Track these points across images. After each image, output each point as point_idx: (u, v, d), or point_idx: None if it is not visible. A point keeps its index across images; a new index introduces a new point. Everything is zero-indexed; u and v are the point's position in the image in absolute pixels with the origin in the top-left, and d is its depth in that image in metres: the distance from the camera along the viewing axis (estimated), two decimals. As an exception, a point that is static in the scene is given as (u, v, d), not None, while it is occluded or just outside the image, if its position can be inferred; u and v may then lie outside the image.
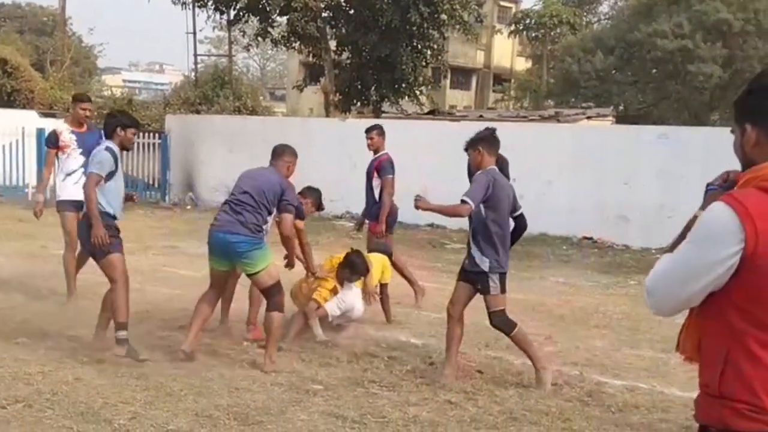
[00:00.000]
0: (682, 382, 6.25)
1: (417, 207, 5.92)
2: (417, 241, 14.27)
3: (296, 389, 5.61)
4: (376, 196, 8.72)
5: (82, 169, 7.56)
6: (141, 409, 5.05)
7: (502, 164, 10.93)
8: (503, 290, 6.00)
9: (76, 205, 7.30)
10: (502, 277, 5.98)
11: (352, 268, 7.19)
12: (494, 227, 5.92)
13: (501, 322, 6.02)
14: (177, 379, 5.68)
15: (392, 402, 5.46)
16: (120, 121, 6.66)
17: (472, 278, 6.01)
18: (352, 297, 7.18)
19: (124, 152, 7.01)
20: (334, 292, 7.17)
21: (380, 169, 8.70)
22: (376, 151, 8.88)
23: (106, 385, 5.47)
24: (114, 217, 6.45)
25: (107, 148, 6.45)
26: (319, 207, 7.54)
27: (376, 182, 8.72)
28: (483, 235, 5.93)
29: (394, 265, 8.52)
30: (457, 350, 6.13)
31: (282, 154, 6.49)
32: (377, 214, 8.66)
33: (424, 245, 13.84)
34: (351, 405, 5.34)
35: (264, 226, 6.17)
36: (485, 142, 6.18)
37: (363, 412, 5.22)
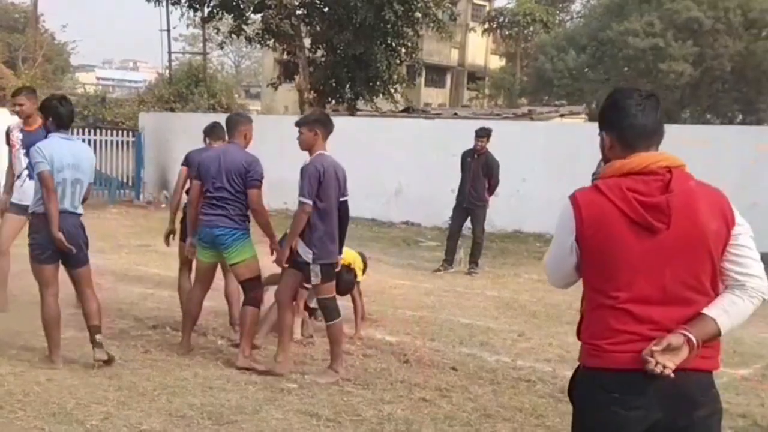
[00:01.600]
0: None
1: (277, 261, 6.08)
2: (391, 238, 14.30)
3: (271, 388, 5.60)
4: None
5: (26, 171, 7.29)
6: (114, 409, 5.01)
7: (491, 164, 11.00)
8: (327, 279, 5.95)
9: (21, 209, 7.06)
10: (326, 267, 5.92)
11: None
12: (317, 219, 5.82)
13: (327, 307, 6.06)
14: (150, 378, 5.65)
15: (366, 400, 5.47)
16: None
17: (299, 267, 5.96)
18: None
19: (99, 150, 6.95)
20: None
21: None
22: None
23: (78, 386, 5.43)
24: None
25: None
26: None
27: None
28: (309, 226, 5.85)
29: None
30: (290, 338, 6.21)
31: (236, 124, 6.39)
32: None
33: (399, 243, 13.87)
34: (325, 403, 5.35)
35: (248, 212, 6.21)
36: (321, 123, 6.04)
37: (337, 411, 5.23)
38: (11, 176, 7.80)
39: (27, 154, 6.99)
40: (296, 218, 5.87)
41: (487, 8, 46.26)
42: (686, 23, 30.36)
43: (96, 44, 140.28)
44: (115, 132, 19.99)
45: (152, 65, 63.33)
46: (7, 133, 7.93)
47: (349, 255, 7.51)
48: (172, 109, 23.66)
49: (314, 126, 5.97)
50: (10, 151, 7.81)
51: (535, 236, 14.52)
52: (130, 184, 20.04)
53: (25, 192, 7.01)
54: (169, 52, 28.22)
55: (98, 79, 71.02)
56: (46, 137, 6.18)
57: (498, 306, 8.97)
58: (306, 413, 5.15)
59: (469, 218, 11.22)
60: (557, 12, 42.00)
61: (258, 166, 6.25)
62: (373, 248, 13.16)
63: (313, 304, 6.92)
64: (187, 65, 29.52)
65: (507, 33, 41.12)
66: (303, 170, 5.85)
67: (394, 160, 15.48)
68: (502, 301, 9.29)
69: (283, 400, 5.36)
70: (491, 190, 11.30)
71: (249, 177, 6.14)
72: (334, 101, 25.07)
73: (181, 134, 19.51)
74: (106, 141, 19.34)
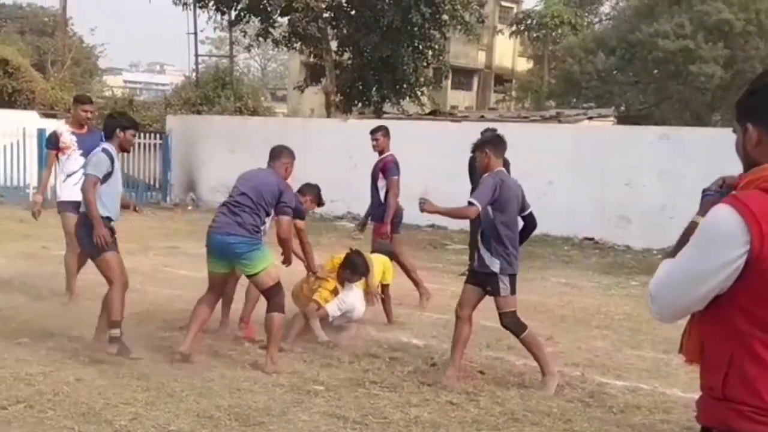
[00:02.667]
0: (684, 383, 6.25)
1: (423, 210, 5.89)
2: (418, 242, 14.26)
3: (298, 390, 5.60)
4: (382, 197, 8.68)
5: (82, 170, 7.28)
6: (142, 410, 5.04)
7: (504, 165, 10.92)
8: (513, 291, 6.03)
9: (76, 206, 7.13)
10: (512, 278, 6.01)
11: (353, 268, 7.18)
12: (503, 229, 5.92)
13: (512, 323, 6.03)
14: (178, 379, 5.68)
15: (394, 403, 5.45)
16: (119, 122, 6.65)
17: (482, 279, 5.99)
18: (352, 298, 7.17)
19: (125, 153, 7.04)
20: (334, 292, 7.17)
21: (386, 170, 8.68)
22: (381, 152, 8.85)
23: (107, 386, 5.46)
24: (110, 219, 6.44)
25: (104, 150, 6.44)
26: (319, 203, 7.51)
27: (381, 183, 8.69)
28: (493, 236, 5.93)
29: (402, 266, 8.51)
30: (462, 352, 6.11)
31: (279, 155, 6.48)
32: (382, 215, 8.64)
33: (425, 246, 13.84)
34: (352, 406, 5.34)
35: (262, 227, 6.17)
36: (492, 144, 6.23)
37: (364, 413, 5.21)
38: (47, 177, 8.40)
39: (83, 155, 7.70)
40: (459, 210, 6.15)
41: (515, 10, 46.10)
42: (717, 25, 30.01)
43: (123, 47, 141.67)
44: (142, 135, 20.15)
45: (179, 68, 63.84)
46: (56, 137, 8.23)
47: (378, 261, 7.54)
48: (198, 112, 23.81)
49: (484, 148, 6.19)
50: (56, 155, 8.16)
51: (563, 239, 14.42)
52: (158, 186, 20.19)
53: (79, 190, 6.95)
54: (196, 55, 28.46)
55: (125, 82, 71.66)
56: (101, 140, 6.79)
57: (525, 309, 8.81)
58: (333, 415, 5.14)
59: None
60: (585, 14, 41.71)
61: (292, 195, 6.34)
62: (407, 252, 13.16)
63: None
64: (213, 68, 29.72)
65: (535, 35, 40.86)
66: (483, 180, 6.04)
67: (421, 163, 15.42)
68: (529, 304, 9.17)
69: (310, 402, 5.36)
70: None
71: (282, 202, 6.17)
72: (360, 104, 25.11)
73: (207, 137, 19.66)
74: (133, 143, 19.46)
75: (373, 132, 8.90)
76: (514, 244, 6.01)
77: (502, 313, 6.02)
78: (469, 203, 5.90)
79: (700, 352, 2.24)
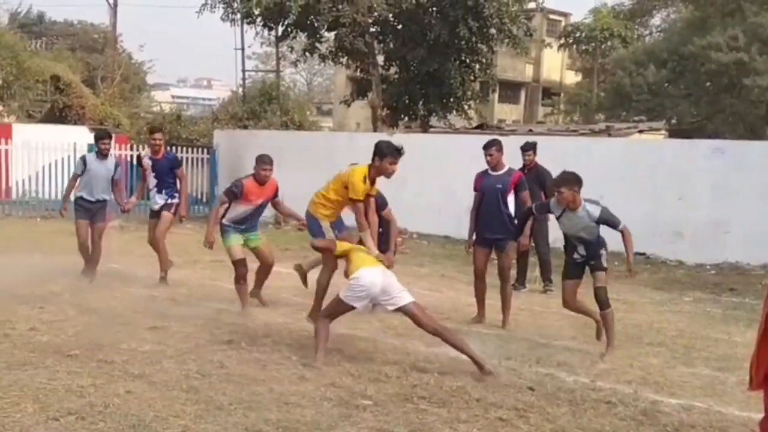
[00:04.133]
0: (740, 402, 6.08)
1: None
2: (465, 256, 14.09)
3: (345, 404, 5.57)
4: (512, 211, 8.59)
5: (155, 188, 10.35)
6: (191, 423, 5.05)
7: (543, 175, 10.83)
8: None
9: (154, 213, 10.41)
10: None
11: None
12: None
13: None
14: (226, 393, 5.68)
15: (442, 419, 5.37)
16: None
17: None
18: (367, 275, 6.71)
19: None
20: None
21: (519, 185, 8.63)
22: (495, 168, 8.74)
23: (156, 398, 5.49)
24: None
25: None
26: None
27: (511, 198, 8.60)
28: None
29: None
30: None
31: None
32: (511, 232, 8.53)
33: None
34: (401, 421, 5.28)
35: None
36: (578, 183, 7.59)
37: (413, 429, 5.15)
38: (142, 189, 10.78)
39: (156, 176, 10.33)
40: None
41: (563, 23, 45.84)
42: (771, 37, 29.45)
43: (171, 63, 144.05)
44: (190, 149, 20.41)
45: (226, 83, 64.63)
46: (139, 158, 11.30)
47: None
48: (245, 127, 24.01)
49: (573, 186, 7.52)
50: (143, 171, 10.59)
51: (613, 255, 14.12)
52: (205, 200, 20.41)
53: (155, 200, 10.38)
54: (243, 71, 28.77)
55: (173, 97, 72.79)
56: (168, 161, 10.43)
57: (575, 325, 8.76)
58: (381, 430, 5.09)
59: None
60: (636, 26, 41.26)
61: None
62: (446, 266, 13.09)
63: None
64: (260, 83, 29.97)
65: (584, 48, 40.58)
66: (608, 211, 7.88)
67: (468, 177, 15.33)
68: (579, 320, 9.04)
69: (358, 417, 5.32)
70: None
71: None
72: (406, 118, 25.12)
73: (254, 151, 19.65)
74: (181, 158, 19.74)
75: (486, 147, 8.81)
76: None
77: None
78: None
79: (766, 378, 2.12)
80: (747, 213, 13.18)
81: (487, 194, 8.66)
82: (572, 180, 7.52)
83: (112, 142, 11.03)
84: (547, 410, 5.64)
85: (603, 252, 7.93)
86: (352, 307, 6.65)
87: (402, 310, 6.66)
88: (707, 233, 13.60)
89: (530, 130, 22.53)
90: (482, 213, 8.69)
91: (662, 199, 14.12)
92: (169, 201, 10.35)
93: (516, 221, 8.59)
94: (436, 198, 16.64)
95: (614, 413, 5.67)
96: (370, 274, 6.60)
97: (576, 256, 7.81)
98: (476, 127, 24.23)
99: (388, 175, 7.32)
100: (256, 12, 23.09)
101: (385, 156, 7.26)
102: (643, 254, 14.14)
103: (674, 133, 26.21)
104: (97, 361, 6.37)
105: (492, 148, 8.75)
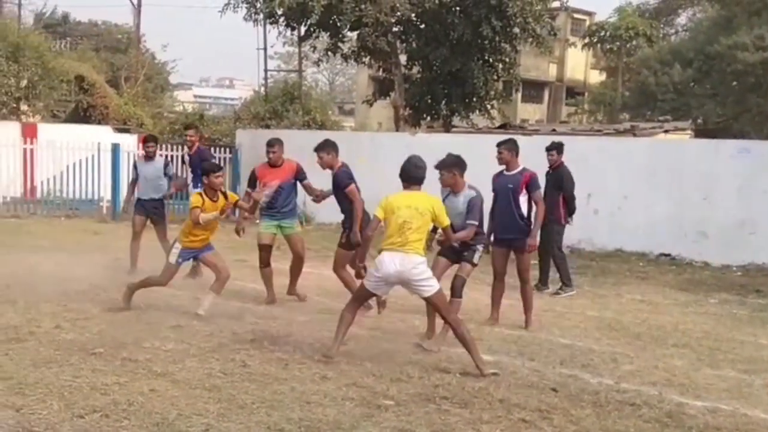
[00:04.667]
0: (766, 404, 6.03)
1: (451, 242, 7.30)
2: (486, 257, 14.08)
3: (367, 404, 5.56)
4: (524, 212, 8.51)
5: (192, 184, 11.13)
6: (214, 421, 5.06)
7: (562, 177, 10.69)
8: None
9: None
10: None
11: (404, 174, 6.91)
12: None
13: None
14: (249, 392, 5.69)
15: (464, 419, 5.35)
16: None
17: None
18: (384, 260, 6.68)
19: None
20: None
21: (532, 185, 8.54)
22: (508, 167, 8.66)
23: (179, 397, 5.51)
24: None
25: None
26: None
27: (523, 198, 8.50)
28: None
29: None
30: None
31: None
32: (525, 230, 8.49)
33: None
34: (422, 421, 5.26)
35: None
36: (459, 166, 7.63)
37: (435, 429, 5.14)
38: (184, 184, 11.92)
39: (192, 171, 11.08)
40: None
41: (588, 23, 45.55)
42: (798, 36, 29.10)
43: (194, 63, 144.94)
44: (212, 148, 20.47)
45: (248, 83, 64.95)
46: (183, 157, 12.85)
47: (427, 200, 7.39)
48: (267, 126, 24.06)
49: (452, 169, 7.59)
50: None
51: (638, 255, 14.08)
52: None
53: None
54: (266, 70, 28.82)
55: (195, 96, 73.13)
56: (199, 156, 10.81)
57: (599, 327, 8.70)
58: (403, 431, 5.08)
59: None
60: (661, 26, 40.91)
61: None
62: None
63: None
64: (282, 83, 30.04)
65: (608, 47, 40.27)
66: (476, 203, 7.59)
67: (491, 177, 15.29)
68: (603, 321, 9.01)
69: (380, 417, 5.31)
70: (568, 208, 10.77)
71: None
72: (429, 118, 25.05)
73: (278, 151, 19.82)
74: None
75: (497, 145, 8.78)
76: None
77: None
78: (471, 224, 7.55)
79: None
80: (774, 213, 13.03)
81: (500, 194, 8.64)
82: (451, 163, 7.58)
83: (157, 144, 12.11)
84: (570, 412, 5.61)
85: (478, 248, 7.79)
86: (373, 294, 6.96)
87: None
88: (733, 234, 13.46)
89: (553, 130, 22.39)
90: (496, 213, 8.68)
91: (687, 200, 13.99)
92: None
93: (529, 221, 8.55)
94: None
95: (639, 415, 5.62)
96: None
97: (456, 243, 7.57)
98: (499, 127, 24.10)
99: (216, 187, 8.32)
100: (279, 12, 23.10)
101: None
102: (668, 255, 14.03)
103: (700, 132, 25.95)
104: (121, 359, 6.41)
105: (501, 146, 8.72)
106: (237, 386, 5.82)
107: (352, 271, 8.32)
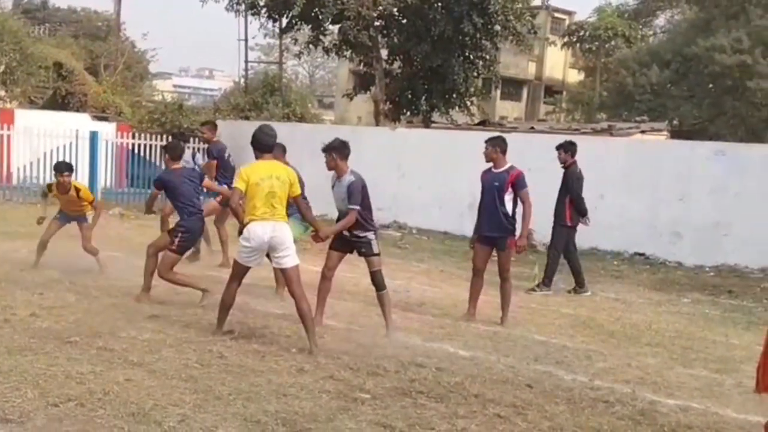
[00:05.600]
0: (737, 404, 6.12)
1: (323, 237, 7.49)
2: (464, 252, 14.11)
3: (344, 397, 5.58)
4: (509, 210, 8.52)
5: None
6: (190, 412, 5.06)
7: (568, 178, 10.64)
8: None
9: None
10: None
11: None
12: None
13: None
14: (225, 383, 5.69)
15: (440, 414, 5.39)
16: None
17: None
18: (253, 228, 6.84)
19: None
20: None
21: (517, 183, 8.53)
22: (496, 165, 8.66)
23: (155, 387, 5.50)
24: None
25: None
26: None
27: (509, 196, 8.51)
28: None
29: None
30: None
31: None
32: (508, 228, 8.51)
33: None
34: (399, 415, 5.29)
35: None
36: (339, 150, 7.52)
37: (411, 423, 5.17)
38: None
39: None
40: (348, 221, 7.47)
41: (567, 22, 45.78)
42: (776, 40, 29.41)
43: (173, 52, 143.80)
44: (191, 139, 20.37)
45: (228, 74, 64.56)
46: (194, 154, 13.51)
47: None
48: (247, 118, 23.97)
49: (332, 152, 7.52)
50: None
51: (613, 254, 14.21)
52: (205, 191, 20.31)
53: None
54: (246, 62, 28.61)
55: (175, 86, 72.53)
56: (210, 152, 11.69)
57: (574, 324, 8.79)
58: (379, 424, 5.11)
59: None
60: (640, 27, 41.18)
61: None
62: (446, 261, 13.12)
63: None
64: (262, 74, 29.91)
65: (587, 47, 40.52)
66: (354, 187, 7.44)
67: (469, 173, 15.34)
68: (578, 319, 9.10)
69: (357, 410, 5.33)
70: (577, 208, 10.76)
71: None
72: (409, 113, 25.10)
73: (258, 142, 19.76)
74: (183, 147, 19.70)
75: (486, 142, 8.80)
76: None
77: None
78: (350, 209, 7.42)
79: None
80: (747, 216, 13.19)
81: (486, 191, 8.67)
82: (330, 146, 7.56)
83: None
84: (545, 408, 5.66)
85: (372, 237, 7.66)
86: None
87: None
88: (707, 235, 13.62)
89: (532, 128, 22.55)
90: (481, 210, 8.71)
91: (663, 200, 14.14)
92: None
93: (513, 219, 8.58)
94: (436, 193, 16.64)
95: (612, 412, 5.69)
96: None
97: (345, 233, 7.60)
98: (478, 124, 24.24)
99: None
100: (261, 3, 23.06)
101: None
102: (643, 254, 14.17)
103: (676, 134, 26.20)
104: (97, 348, 6.38)
105: (488, 143, 8.76)
106: (214, 377, 5.82)
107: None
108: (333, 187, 7.64)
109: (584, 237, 14.47)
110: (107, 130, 20.08)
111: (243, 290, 9.05)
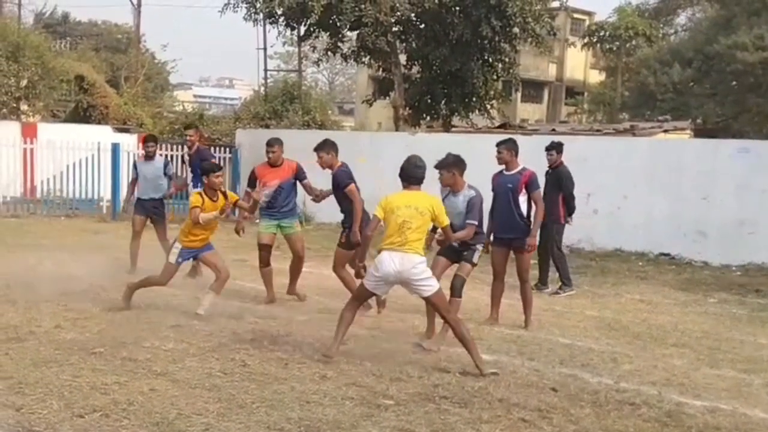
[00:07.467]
0: (766, 404, 6.04)
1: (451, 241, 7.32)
2: (486, 256, 14.09)
3: (367, 404, 5.56)
4: (524, 211, 8.51)
5: (192, 184, 10.93)
6: (214, 421, 5.07)
7: (562, 176, 10.68)
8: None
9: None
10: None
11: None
12: None
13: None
14: (248, 391, 5.70)
15: (464, 419, 5.36)
16: None
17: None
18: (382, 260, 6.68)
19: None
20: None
21: (531, 184, 8.51)
22: (507, 167, 8.64)
23: (179, 396, 5.51)
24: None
25: None
26: None
27: (523, 197, 8.49)
28: None
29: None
30: None
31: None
32: (525, 230, 8.49)
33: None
34: (423, 421, 5.27)
35: None
36: (458, 166, 7.67)
37: (435, 429, 5.14)
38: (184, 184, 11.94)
39: (192, 171, 10.96)
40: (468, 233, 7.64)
41: (587, 22, 45.58)
42: (798, 36, 29.08)
43: (193, 63, 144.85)
44: (212, 148, 20.46)
45: (248, 82, 64.92)
46: (183, 156, 13.34)
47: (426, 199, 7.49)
48: (267, 126, 24.04)
49: (451, 168, 7.63)
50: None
51: (637, 255, 14.09)
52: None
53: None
54: (265, 70, 28.77)
55: (195, 96, 73.04)
56: (199, 156, 10.71)
57: (599, 326, 8.71)
58: (403, 430, 5.08)
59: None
60: (660, 26, 40.91)
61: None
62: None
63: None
64: (282, 82, 30.02)
65: (608, 47, 40.29)
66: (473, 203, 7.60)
67: (487, 176, 15.30)
68: (603, 321, 9.02)
69: (380, 417, 5.31)
70: (567, 207, 10.75)
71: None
72: (429, 117, 25.07)
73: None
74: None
75: (497, 145, 8.79)
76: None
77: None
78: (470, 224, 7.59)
79: None
80: (773, 213, 13.03)
81: (499, 194, 8.64)
82: (450, 163, 7.64)
83: (157, 145, 12.18)
84: (570, 411, 5.61)
85: (478, 247, 7.84)
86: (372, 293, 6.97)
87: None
88: (732, 233, 13.47)
89: (553, 130, 22.39)
90: (496, 213, 8.67)
91: (687, 199, 13.99)
92: None
93: (528, 220, 8.55)
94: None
95: (638, 415, 5.63)
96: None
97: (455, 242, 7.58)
98: (498, 127, 24.10)
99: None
100: (279, 11, 23.13)
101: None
102: (668, 255, 14.04)
103: (699, 132, 25.93)
104: (121, 358, 6.41)
105: (501, 146, 8.72)
106: (237, 386, 5.83)
107: (351, 271, 8.34)
108: (444, 199, 7.54)
109: (608, 238, 14.45)
110: (129, 141, 20.22)
111: (263, 297, 9.12)
